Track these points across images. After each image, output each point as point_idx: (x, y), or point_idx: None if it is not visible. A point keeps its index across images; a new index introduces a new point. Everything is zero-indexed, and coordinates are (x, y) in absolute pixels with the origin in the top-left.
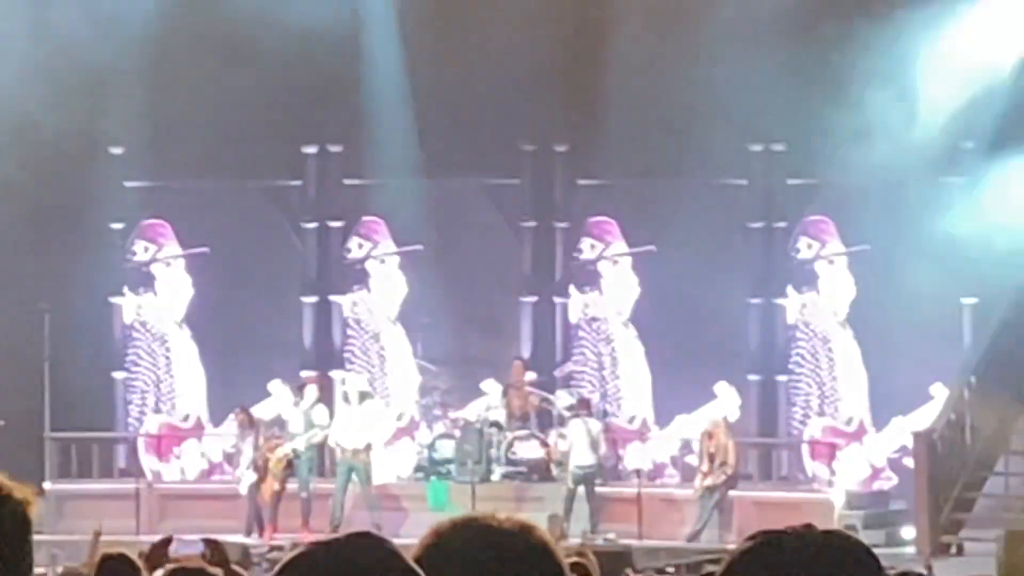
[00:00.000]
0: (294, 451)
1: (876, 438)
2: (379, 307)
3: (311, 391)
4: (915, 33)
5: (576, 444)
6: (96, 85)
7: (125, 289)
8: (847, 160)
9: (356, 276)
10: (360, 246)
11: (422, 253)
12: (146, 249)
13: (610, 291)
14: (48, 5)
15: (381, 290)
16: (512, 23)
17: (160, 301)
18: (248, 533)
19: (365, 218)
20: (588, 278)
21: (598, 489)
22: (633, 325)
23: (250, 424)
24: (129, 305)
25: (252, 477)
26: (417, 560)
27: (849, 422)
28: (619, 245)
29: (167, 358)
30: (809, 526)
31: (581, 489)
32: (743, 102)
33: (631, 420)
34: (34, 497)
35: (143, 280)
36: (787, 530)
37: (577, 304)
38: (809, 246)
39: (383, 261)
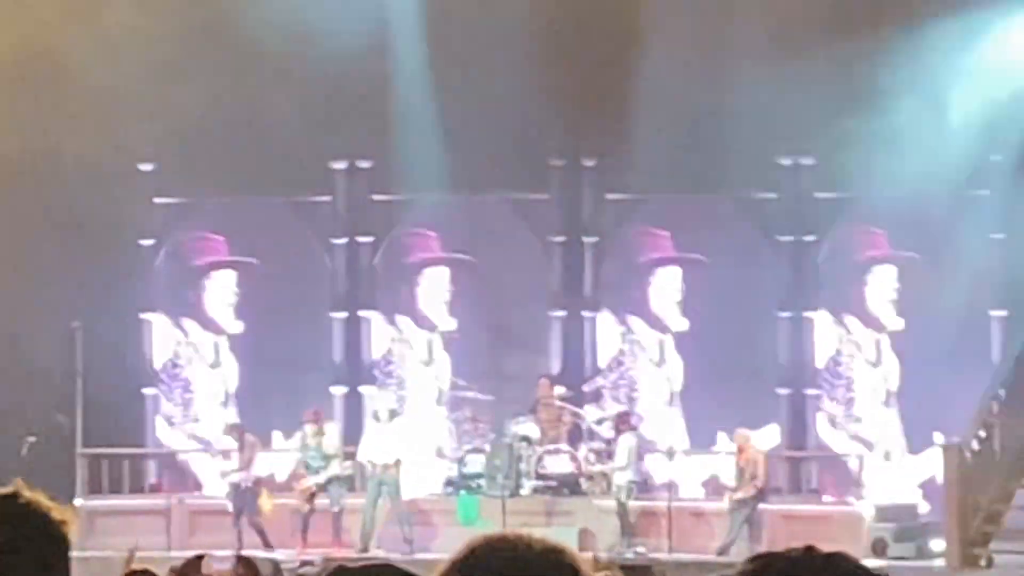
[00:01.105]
0: (317, 485)
1: (910, 460)
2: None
3: (309, 428)
4: (943, 46)
5: (629, 458)
6: (125, 102)
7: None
8: (876, 173)
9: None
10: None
11: (452, 267)
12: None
13: (657, 301)
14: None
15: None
16: (540, 37)
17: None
18: (268, 547)
19: (414, 229)
20: (629, 292)
21: (632, 502)
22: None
23: (241, 442)
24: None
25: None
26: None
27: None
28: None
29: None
30: (811, 548)
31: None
32: (772, 116)
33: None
34: (72, 516)
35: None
36: (789, 552)
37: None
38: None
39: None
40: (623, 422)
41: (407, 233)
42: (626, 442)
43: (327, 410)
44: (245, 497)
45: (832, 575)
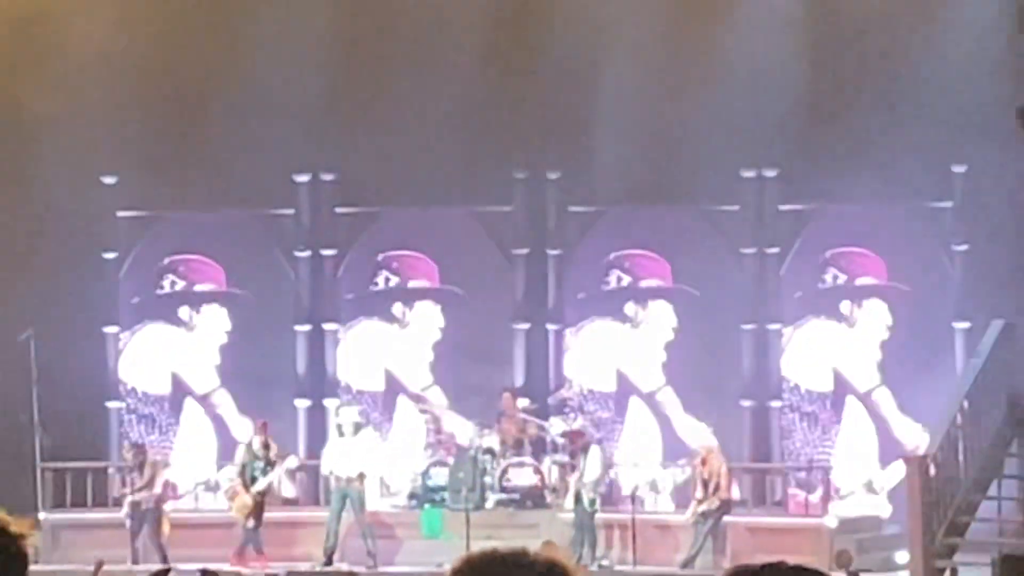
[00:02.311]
0: (259, 493)
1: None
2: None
3: (257, 439)
4: (906, 57)
5: (599, 470)
6: (89, 113)
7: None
8: (839, 185)
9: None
10: (387, 280)
11: (415, 280)
12: (173, 284)
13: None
14: None
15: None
16: (502, 51)
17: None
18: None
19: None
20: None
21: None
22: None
23: (140, 462)
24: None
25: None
26: None
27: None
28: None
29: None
30: (781, 563)
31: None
32: (735, 128)
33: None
34: (31, 530)
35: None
36: (760, 567)
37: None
38: (835, 278)
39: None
40: (576, 439)
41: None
42: (597, 453)
43: (292, 424)
44: (146, 516)
45: None
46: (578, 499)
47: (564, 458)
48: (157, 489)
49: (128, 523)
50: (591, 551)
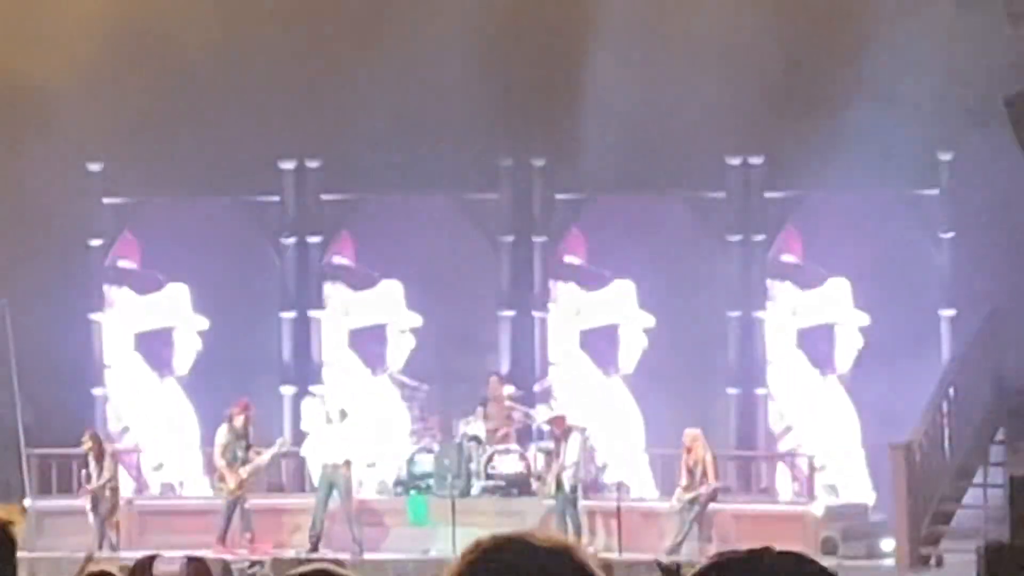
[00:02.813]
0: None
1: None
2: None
3: (239, 420)
4: (893, 44)
5: (579, 457)
6: (75, 100)
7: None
8: (825, 172)
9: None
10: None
11: (400, 267)
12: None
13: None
14: None
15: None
16: (489, 36)
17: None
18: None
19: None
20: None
21: (581, 502)
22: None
23: (99, 452)
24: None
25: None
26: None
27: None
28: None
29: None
30: (768, 548)
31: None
32: (721, 115)
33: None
34: (18, 516)
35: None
36: (746, 552)
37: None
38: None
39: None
40: (559, 425)
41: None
42: (578, 440)
43: (277, 410)
44: (106, 503)
45: (791, 574)
46: (559, 486)
47: (550, 445)
48: (110, 477)
49: (91, 516)
50: (575, 539)
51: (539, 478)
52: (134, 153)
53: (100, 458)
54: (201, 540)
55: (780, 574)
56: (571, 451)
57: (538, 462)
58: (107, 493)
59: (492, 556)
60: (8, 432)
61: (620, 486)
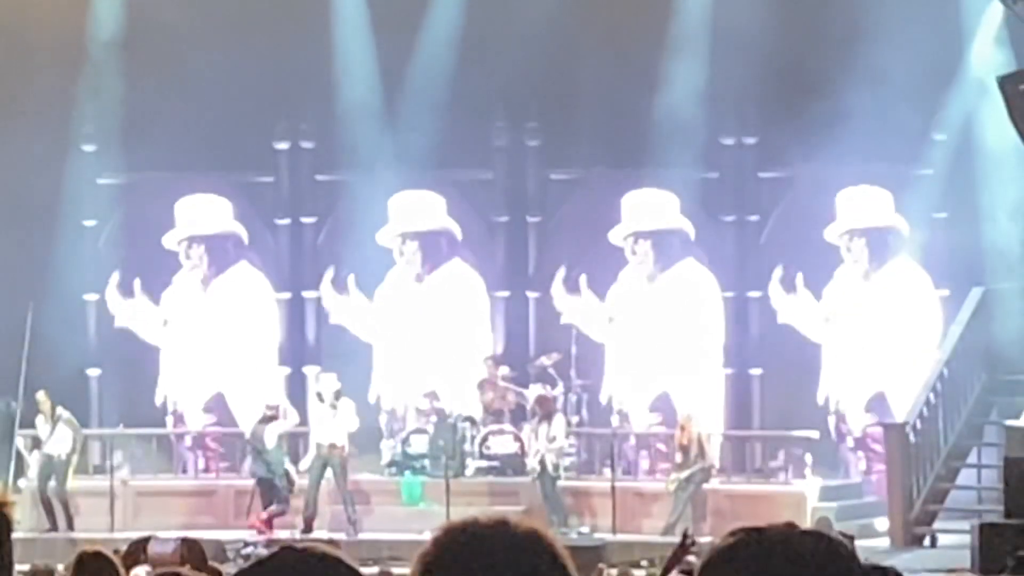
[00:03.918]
0: None
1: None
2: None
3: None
4: (886, 25)
5: (562, 437)
6: (69, 82)
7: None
8: (819, 153)
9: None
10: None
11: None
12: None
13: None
14: None
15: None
16: (482, 16)
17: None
18: (70, 526)
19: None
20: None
21: (573, 483)
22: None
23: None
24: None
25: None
26: (428, 561)
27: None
28: None
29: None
30: (791, 524)
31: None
32: (715, 95)
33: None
34: (12, 498)
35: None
36: (769, 527)
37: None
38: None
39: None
40: (544, 405)
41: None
42: (559, 422)
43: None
44: (57, 472)
45: (813, 551)
46: (543, 467)
47: (545, 425)
48: (67, 446)
49: (37, 480)
50: (559, 518)
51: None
52: (128, 134)
53: (54, 420)
54: (197, 521)
55: (808, 548)
56: (555, 431)
57: (532, 443)
58: (62, 458)
59: (461, 540)
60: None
61: (614, 463)
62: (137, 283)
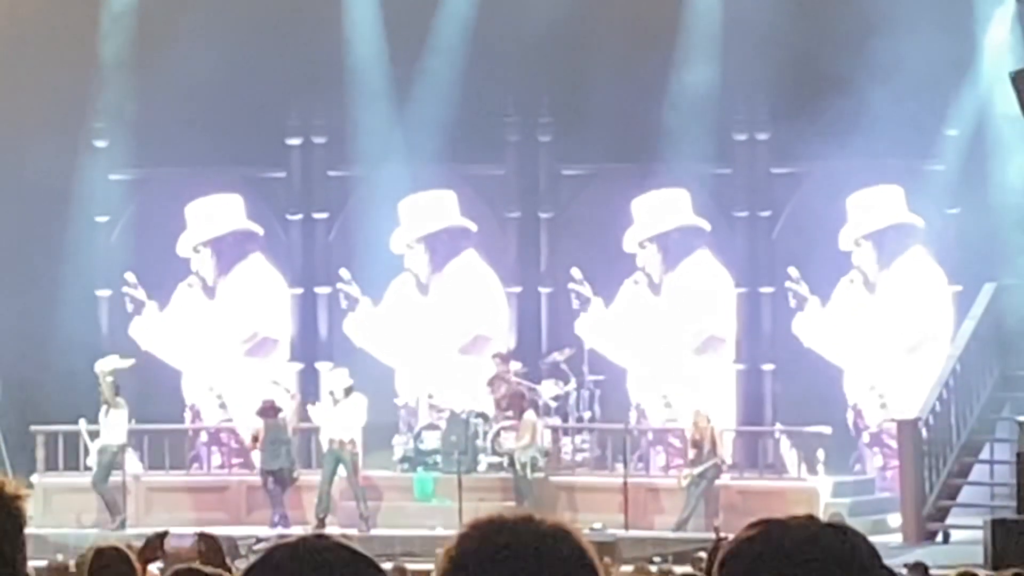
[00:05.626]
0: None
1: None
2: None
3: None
4: (897, 21)
5: (533, 435)
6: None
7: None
8: (831, 148)
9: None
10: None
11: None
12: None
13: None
14: None
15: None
16: (494, 11)
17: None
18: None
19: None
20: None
21: (587, 479)
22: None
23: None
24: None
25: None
26: (455, 556)
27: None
28: None
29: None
30: (812, 517)
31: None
32: (727, 91)
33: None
34: (26, 491)
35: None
36: (789, 520)
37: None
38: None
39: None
40: (517, 402)
41: None
42: (529, 419)
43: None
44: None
45: (834, 545)
46: (512, 463)
47: (557, 421)
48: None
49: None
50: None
51: (546, 454)
52: (140, 130)
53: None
54: (209, 517)
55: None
56: (524, 429)
57: (544, 438)
58: None
59: (486, 536)
60: (22, 409)
61: (626, 461)
62: (153, 305)
